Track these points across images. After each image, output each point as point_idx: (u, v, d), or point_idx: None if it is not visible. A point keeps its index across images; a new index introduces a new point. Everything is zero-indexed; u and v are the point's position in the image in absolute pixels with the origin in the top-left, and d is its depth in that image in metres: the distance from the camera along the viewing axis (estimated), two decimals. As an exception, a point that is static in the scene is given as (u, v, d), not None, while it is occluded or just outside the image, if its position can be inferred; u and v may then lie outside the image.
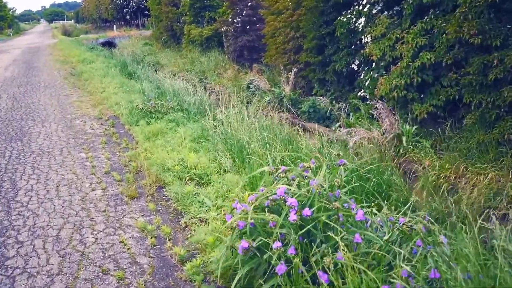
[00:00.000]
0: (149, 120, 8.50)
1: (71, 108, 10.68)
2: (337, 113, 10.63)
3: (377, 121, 9.24)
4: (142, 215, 4.82)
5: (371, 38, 10.26)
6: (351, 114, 10.49)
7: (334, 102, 11.22)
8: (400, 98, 8.43)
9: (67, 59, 22.41)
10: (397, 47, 8.67)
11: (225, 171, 5.85)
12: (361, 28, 10.60)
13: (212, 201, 4.81)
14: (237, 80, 15.72)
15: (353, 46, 11.40)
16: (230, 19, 19.04)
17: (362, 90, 10.98)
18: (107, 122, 9.15)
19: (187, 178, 5.71)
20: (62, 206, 5.06)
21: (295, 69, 12.84)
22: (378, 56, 9.43)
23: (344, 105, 11.18)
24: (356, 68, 11.48)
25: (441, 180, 6.55)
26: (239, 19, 18.42)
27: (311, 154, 5.28)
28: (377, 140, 8.37)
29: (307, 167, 3.20)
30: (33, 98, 12.18)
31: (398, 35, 8.71)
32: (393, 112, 8.73)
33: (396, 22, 9.18)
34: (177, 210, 4.89)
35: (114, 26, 51.75)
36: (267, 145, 5.78)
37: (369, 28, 10.10)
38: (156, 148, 6.81)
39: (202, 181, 5.61)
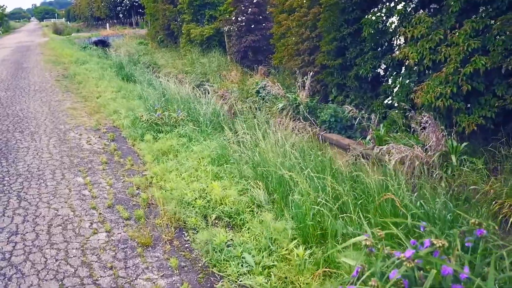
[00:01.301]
0: (156, 135, 7.33)
1: (64, 117, 9.46)
2: (364, 123, 9.50)
3: (414, 134, 8.16)
4: (162, 275, 3.65)
5: (405, 39, 9.18)
6: (381, 125, 9.38)
7: (355, 109, 10.08)
8: (445, 108, 7.35)
9: (58, 59, 21.11)
10: (441, 50, 7.57)
11: (259, 206, 4.70)
12: (393, 28, 9.50)
13: (253, 257, 3.66)
14: (244, 84, 14.56)
15: (379, 48, 10.30)
16: (233, 18, 17.86)
17: (390, 98, 9.91)
18: (106, 135, 7.95)
19: (213, 217, 4.55)
20: (56, 259, 3.89)
21: (311, 73, 11.70)
22: (416, 60, 8.32)
23: (367, 114, 10.06)
24: (382, 73, 10.37)
25: (505, 210, 5.47)
26: (244, 18, 17.23)
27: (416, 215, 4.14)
28: (420, 159, 7.27)
29: (438, 247, 2.06)
30: (22, 104, 10.94)
31: (441, 36, 7.61)
32: (438, 125, 7.63)
33: (437, 21, 8.07)
34: (207, 268, 3.73)
35: (107, 24, 50.31)
36: (313, 177, 4.63)
37: (403, 28, 8.98)
38: (169, 173, 5.65)
39: (234, 222, 4.46)
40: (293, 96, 11.51)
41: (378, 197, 3.99)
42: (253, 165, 5.36)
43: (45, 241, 4.22)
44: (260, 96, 12.99)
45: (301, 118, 11.19)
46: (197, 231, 4.31)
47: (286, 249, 3.62)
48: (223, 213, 4.61)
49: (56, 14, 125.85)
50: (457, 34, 7.29)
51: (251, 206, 4.72)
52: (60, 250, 4.03)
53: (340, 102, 11.66)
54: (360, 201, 4.28)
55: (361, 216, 3.50)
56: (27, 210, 4.87)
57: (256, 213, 4.54)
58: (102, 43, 35.52)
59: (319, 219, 3.98)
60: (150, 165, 6.15)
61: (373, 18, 9.85)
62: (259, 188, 4.89)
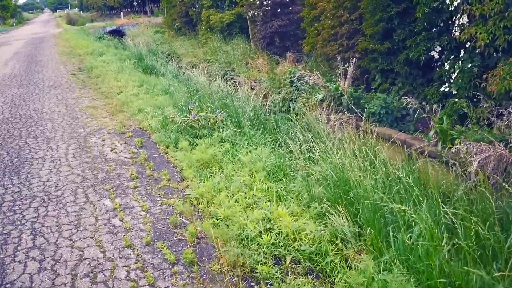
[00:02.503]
0: (192, 140, 6.18)
1: (83, 118, 8.39)
2: (420, 114, 8.23)
3: (489, 127, 6.92)
4: None
5: (469, 18, 7.87)
6: (444, 117, 8.09)
7: (411, 99, 8.78)
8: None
9: (73, 50, 20.09)
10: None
11: (343, 241, 3.55)
12: (454, 6, 8.17)
13: None
14: (274, 73, 13.31)
15: (433, 29, 8.97)
16: (257, 2, 16.53)
17: (446, 85, 8.64)
18: (133, 140, 6.85)
19: (288, 260, 3.41)
20: (85, 337, 2.79)
21: (354, 60, 10.41)
22: (486, 41, 7.03)
23: (419, 103, 8.76)
24: (437, 56, 9.05)
25: None
26: (269, 1, 15.91)
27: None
28: (505, 159, 6.01)
29: None
30: (36, 103, 9.90)
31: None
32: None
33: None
34: None
35: (121, 13, 49.23)
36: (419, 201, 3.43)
37: (467, 5, 7.66)
38: (218, 193, 4.52)
39: (318, 268, 3.32)
40: (335, 86, 10.26)
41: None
42: (328, 183, 4.18)
43: (68, 303, 3.13)
44: (294, 86, 11.77)
45: (345, 110, 9.97)
46: (271, 284, 3.18)
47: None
48: (300, 253, 3.47)
49: (69, 5, 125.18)
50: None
51: (334, 242, 3.57)
52: (89, 319, 2.94)
53: (385, 90, 10.40)
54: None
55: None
56: (44, 252, 3.79)
57: (344, 255, 3.39)
58: (117, 33, 34.49)
59: (448, 270, 2.82)
60: (192, 181, 5.01)
61: (430, -5, 8.58)
62: (340, 216, 3.73)
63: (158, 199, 4.76)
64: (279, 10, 15.93)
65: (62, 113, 8.85)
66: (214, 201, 4.42)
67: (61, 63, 16.35)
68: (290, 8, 15.91)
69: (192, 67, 16.86)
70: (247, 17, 18.25)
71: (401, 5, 9.48)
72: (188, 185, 5.00)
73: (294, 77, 12.04)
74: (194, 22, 25.21)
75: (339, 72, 10.48)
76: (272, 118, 7.45)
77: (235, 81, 14.92)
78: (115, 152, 6.31)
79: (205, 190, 4.61)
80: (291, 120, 8.79)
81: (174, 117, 6.57)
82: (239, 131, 6.36)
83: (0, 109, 9.54)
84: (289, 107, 10.91)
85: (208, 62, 18.45)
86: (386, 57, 10.22)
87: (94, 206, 4.64)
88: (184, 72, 14.53)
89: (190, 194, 4.71)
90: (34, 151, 6.54)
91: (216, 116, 6.33)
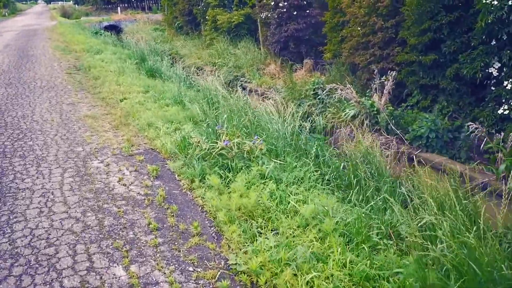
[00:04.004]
0: (224, 173, 4.83)
1: (81, 131, 7.01)
2: (492, 144, 7.01)
3: None
4: None
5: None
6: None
7: (477, 125, 7.51)
8: None
9: (69, 46, 18.60)
10: None
11: None
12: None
13: None
14: (292, 81, 11.98)
15: (493, 42, 7.75)
16: (272, 3, 15.21)
17: (505, 107, 7.48)
18: (145, 167, 5.49)
19: None
20: None
21: (393, 73, 9.12)
22: None
23: (481, 128, 7.53)
24: (495, 74, 7.83)
25: None
26: (286, 3, 14.59)
27: None
28: None
29: None
30: (25, 108, 8.48)
31: None
32: None
33: None
34: None
35: (119, 8, 47.62)
36: None
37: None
38: (277, 267, 3.19)
39: None
40: (369, 101, 8.97)
41: None
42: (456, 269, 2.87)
43: None
44: (319, 98, 10.45)
45: (382, 130, 8.69)
46: None
47: None
48: None
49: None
50: None
51: None
52: None
53: (425, 108, 9.15)
54: None
55: None
56: None
57: None
58: (114, 28, 32.98)
59: None
60: (235, 242, 3.67)
61: (495, 2, 7.37)
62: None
63: (191, 269, 3.41)
64: (295, 13, 14.63)
65: (56, 123, 7.46)
66: (276, 282, 3.09)
67: (55, 60, 14.88)
68: (308, 11, 14.61)
69: (197, 69, 15.51)
70: (258, 18, 16.92)
71: (454, 13, 8.27)
72: (230, 247, 3.66)
73: (318, 88, 10.75)
74: (198, 21, 23.83)
75: (374, 86, 9.15)
76: (303, 139, 6.16)
77: (245, 88, 13.62)
78: (124, 185, 4.95)
79: (258, 262, 3.27)
80: (325, 141, 7.53)
81: (199, 142, 5.21)
82: (280, 162, 5.03)
83: (-18, 114, 8.13)
84: (312, 121, 9.60)
85: (215, 65, 17.10)
86: (429, 70, 8.98)
87: (101, 278, 3.28)
88: (190, 76, 13.19)
89: (236, 265, 3.37)
90: (20, 178, 5.16)
91: (253, 144, 4.98)
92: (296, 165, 5.09)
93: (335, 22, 11.83)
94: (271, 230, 3.76)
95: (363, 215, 3.72)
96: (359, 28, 10.55)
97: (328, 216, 3.70)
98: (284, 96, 11.55)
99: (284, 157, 5.27)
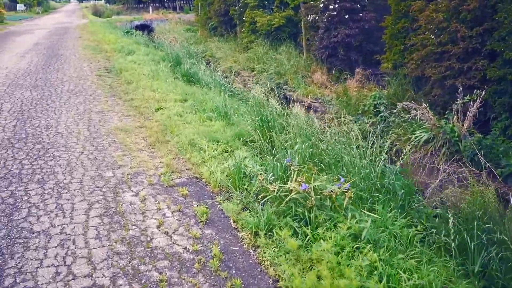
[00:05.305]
0: (300, 227, 3.59)
1: (111, 148, 5.90)
2: None
3: None
4: None
5: None
6: None
7: None
8: None
9: (99, 45, 17.74)
10: None
11: None
12: None
13: None
14: (346, 94, 10.69)
15: None
16: (321, 5, 13.95)
17: None
18: (190, 206, 4.31)
19: None
20: None
21: (482, 92, 7.64)
22: None
23: None
24: None
25: None
26: (337, 6, 13.31)
27: None
28: None
29: None
30: (50, 116, 7.46)
31: None
32: None
33: None
34: None
35: (150, 7, 47.09)
36: None
37: None
38: None
39: None
40: (449, 126, 7.57)
41: None
42: None
43: None
44: (381, 116, 9.11)
45: (466, 160, 7.30)
46: None
47: None
48: None
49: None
50: None
51: None
52: None
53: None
54: None
55: None
56: None
57: None
58: (145, 28, 32.23)
59: None
60: None
61: None
62: None
63: None
64: (346, 17, 13.32)
65: (83, 136, 6.38)
66: None
67: (84, 60, 13.96)
68: (361, 14, 13.30)
69: (232, 74, 14.37)
70: (303, 21, 15.67)
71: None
72: None
73: (380, 104, 9.41)
74: (234, 23, 22.73)
75: (454, 108, 7.72)
76: (389, 176, 4.85)
77: (289, 97, 12.38)
78: (165, 233, 3.78)
79: None
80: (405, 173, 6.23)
81: (262, 180, 3.98)
82: (373, 216, 3.76)
83: (2, 121, 7.13)
84: (371, 143, 8.20)
85: (253, 71, 15.93)
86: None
87: None
88: (230, 82, 12.04)
89: None
90: (35, 214, 4.05)
91: (339, 188, 3.73)
92: (388, 217, 3.82)
93: (398, 28, 10.49)
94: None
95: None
96: (432, 36, 9.15)
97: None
98: (337, 110, 10.29)
99: (371, 204, 4.01)
